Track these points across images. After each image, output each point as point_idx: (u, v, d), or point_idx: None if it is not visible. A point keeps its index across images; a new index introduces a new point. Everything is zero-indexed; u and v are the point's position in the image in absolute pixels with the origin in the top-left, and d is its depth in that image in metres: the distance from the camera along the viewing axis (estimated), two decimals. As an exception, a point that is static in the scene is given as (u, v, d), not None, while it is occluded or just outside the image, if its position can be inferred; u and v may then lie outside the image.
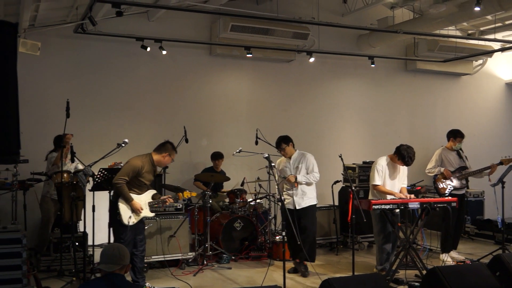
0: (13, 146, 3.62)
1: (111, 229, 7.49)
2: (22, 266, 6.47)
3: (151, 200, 7.56)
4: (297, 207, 8.65)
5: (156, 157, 7.49)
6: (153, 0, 10.00)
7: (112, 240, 7.69)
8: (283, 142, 8.83)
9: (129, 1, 9.00)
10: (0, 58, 3.53)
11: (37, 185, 9.33)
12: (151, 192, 7.63)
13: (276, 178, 8.14)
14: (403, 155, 8.12)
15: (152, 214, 7.68)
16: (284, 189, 8.85)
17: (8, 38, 3.59)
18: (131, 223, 7.23)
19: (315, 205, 8.88)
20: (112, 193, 7.50)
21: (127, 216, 7.20)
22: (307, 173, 8.71)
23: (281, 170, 8.95)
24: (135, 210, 7.27)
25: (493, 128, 15.33)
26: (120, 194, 7.20)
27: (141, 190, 7.45)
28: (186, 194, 8.23)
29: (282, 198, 8.15)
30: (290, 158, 8.86)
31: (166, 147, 7.55)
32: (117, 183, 7.16)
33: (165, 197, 7.74)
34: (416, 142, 13.65)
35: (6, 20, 3.72)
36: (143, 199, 7.43)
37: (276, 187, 8.00)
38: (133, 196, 7.29)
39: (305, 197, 8.72)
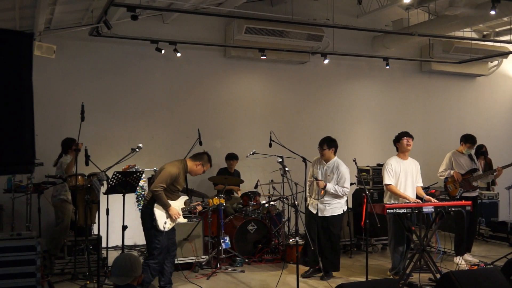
0: (28, 156, 3.63)
1: (144, 235, 7.47)
2: (36, 274, 6.51)
3: (184, 206, 7.64)
4: (320, 214, 8.53)
5: (189, 164, 7.52)
6: (168, 4, 10.02)
7: (126, 243, 7.72)
8: (326, 144, 8.65)
9: (144, 5, 9.03)
10: (15, 69, 3.54)
11: (46, 191, 9.38)
12: (183, 198, 7.70)
13: (290, 183, 8.03)
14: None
15: (185, 220, 7.77)
16: (312, 191, 8.70)
17: (23, 48, 3.60)
18: (166, 229, 7.30)
19: (342, 214, 8.75)
20: (141, 199, 7.55)
21: (162, 222, 7.26)
22: (336, 184, 8.55)
23: (313, 169, 8.80)
24: (171, 216, 7.33)
25: (509, 130, 15.21)
26: (158, 201, 7.23)
27: (174, 196, 7.50)
28: (216, 201, 8.39)
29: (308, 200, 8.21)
30: (326, 162, 8.69)
31: (201, 156, 7.60)
32: (156, 191, 7.18)
33: (195, 203, 7.84)
34: (431, 143, 13.74)
35: (21, 31, 3.75)
36: (177, 205, 7.50)
37: (307, 184, 8.01)
38: (170, 202, 7.35)
39: (329, 206, 8.54)
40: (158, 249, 7.24)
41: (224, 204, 8.85)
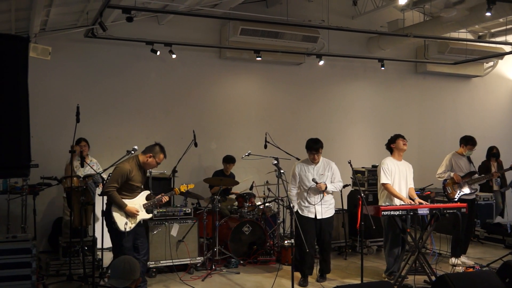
0: (23, 160, 3.66)
1: (110, 237, 7.34)
2: (31, 276, 6.50)
3: (146, 202, 7.44)
4: (319, 217, 8.29)
5: (141, 158, 7.33)
6: (162, 5, 10.02)
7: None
8: (321, 147, 8.36)
9: (139, 7, 9.03)
10: (11, 74, 3.56)
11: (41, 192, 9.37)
12: (145, 193, 7.51)
13: (285, 184, 7.93)
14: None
15: (149, 216, 7.51)
16: (306, 197, 8.34)
17: (19, 53, 3.63)
18: (128, 229, 7.10)
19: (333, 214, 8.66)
20: (106, 202, 7.38)
21: (122, 223, 7.10)
22: (331, 182, 8.40)
23: (299, 175, 8.42)
24: (131, 215, 7.17)
25: (504, 131, 15.25)
26: (113, 202, 7.10)
27: (133, 193, 7.33)
28: (183, 188, 8.02)
29: (292, 205, 7.69)
30: (314, 164, 8.44)
31: (151, 148, 7.38)
32: (107, 191, 7.08)
33: (159, 196, 7.57)
34: (426, 144, 13.78)
35: (17, 35, 3.75)
36: (137, 202, 7.32)
37: (288, 193, 7.87)
38: (127, 201, 7.18)
39: (328, 207, 8.40)
40: (124, 250, 7.04)
41: (191, 189, 8.52)
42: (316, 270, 8.54)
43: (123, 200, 7.17)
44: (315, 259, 8.53)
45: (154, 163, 7.38)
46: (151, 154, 7.32)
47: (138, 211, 7.25)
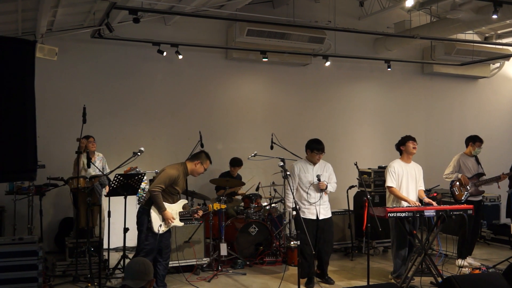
0: (30, 163, 3.67)
1: (137, 235, 7.44)
2: (38, 279, 6.52)
3: (182, 210, 7.61)
4: (320, 217, 8.31)
5: (189, 165, 7.55)
6: (169, 7, 10.03)
7: (127, 245, 7.71)
8: (324, 148, 8.46)
9: (146, 8, 9.04)
10: (18, 77, 3.57)
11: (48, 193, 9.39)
12: (183, 202, 7.68)
13: (291, 185, 7.93)
14: None
15: (182, 224, 7.74)
16: (306, 197, 8.33)
17: (26, 56, 3.63)
18: (161, 231, 7.27)
19: None
20: (142, 201, 7.52)
21: (157, 225, 7.26)
22: (328, 182, 8.40)
23: (299, 175, 8.42)
24: (166, 220, 7.31)
25: (510, 132, 15.20)
26: (154, 202, 7.24)
27: (173, 199, 7.51)
28: (216, 206, 8.35)
29: (298, 206, 7.79)
30: (313, 164, 8.47)
31: (199, 155, 7.61)
32: (153, 191, 7.20)
33: (195, 208, 7.82)
34: (432, 145, 13.75)
35: (24, 38, 3.77)
36: (174, 209, 7.48)
37: (292, 194, 7.84)
38: (166, 205, 7.33)
39: (327, 207, 8.44)
40: (145, 250, 7.18)
41: (224, 209, 8.80)
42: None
43: (164, 203, 7.32)
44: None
45: (202, 169, 7.61)
46: (199, 161, 7.53)
47: (174, 219, 7.41)
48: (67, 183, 8.91)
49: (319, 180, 8.22)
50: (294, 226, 8.30)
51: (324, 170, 8.45)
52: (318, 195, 8.31)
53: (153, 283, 4.63)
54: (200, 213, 7.82)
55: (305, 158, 8.59)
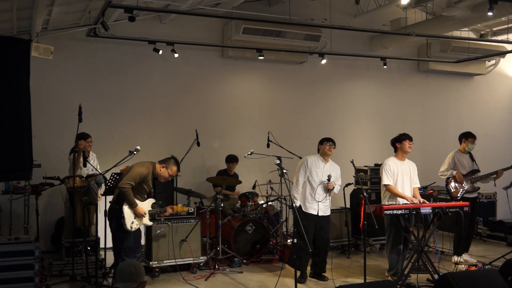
0: (26, 163, 3.66)
1: (112, 237, 7.35)
2: (34, 278, 6.50)
3: (151, 209, 7.52)
4: (321, 214, 8.41)
5: (157, 167, 7.39)
6: (165, 5, 10.01)
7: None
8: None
9: (141, 6, 9.02)
10: (13, 77, 3.56)
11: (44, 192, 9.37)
12: (151, 200, 7.59)
13: (288, 184, 7.90)
14: None
15: (151, 223, 7.68)
16: (312, 193, 8.41)
17: (21, 55, 3.62)
18: (133, 229, 7.19)
19: None
20: (112, 199, 7.39)
21: (130, 222, 7.15)
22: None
23: (311, 168, 8.48)
24: (138, 216, 7.22)
25: (506, 129, 15.23)
26: (126, 198, 7.11)
27: (142, 197, 7.40)
28: (179, 208, 8.09)
29: (294, 205, 7.88)
30: (325, 162, 8.55)
31: (167, 160, 7.47)
32: (124, 187, 7.05)
33: (164, 208, 7.69)
34: (428, 143, 13.76)
35: (19, 38, 3.76)
36: (144, 206, 7.38)
37: (292, 192, 7.85)
38: (137, 202, 7.25)
39: (327, 205, 8.53)
40: (125, 249, 7.12)
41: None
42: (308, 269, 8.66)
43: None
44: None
45: (167, 174, 7.42)
46: (164, 166, 7.38)
47: (145, 213, 7.33)
48: (63, 182, 8.89)
49: (329, 180, 8.31)
50: (293, 222, 8.28)
51: (333, 171, 8.50)
52: (324, 194, 8.42)
53: (145, 284, 4.61)
54: (168, 213, 7.72)
55: (317, 154, 8.64)
